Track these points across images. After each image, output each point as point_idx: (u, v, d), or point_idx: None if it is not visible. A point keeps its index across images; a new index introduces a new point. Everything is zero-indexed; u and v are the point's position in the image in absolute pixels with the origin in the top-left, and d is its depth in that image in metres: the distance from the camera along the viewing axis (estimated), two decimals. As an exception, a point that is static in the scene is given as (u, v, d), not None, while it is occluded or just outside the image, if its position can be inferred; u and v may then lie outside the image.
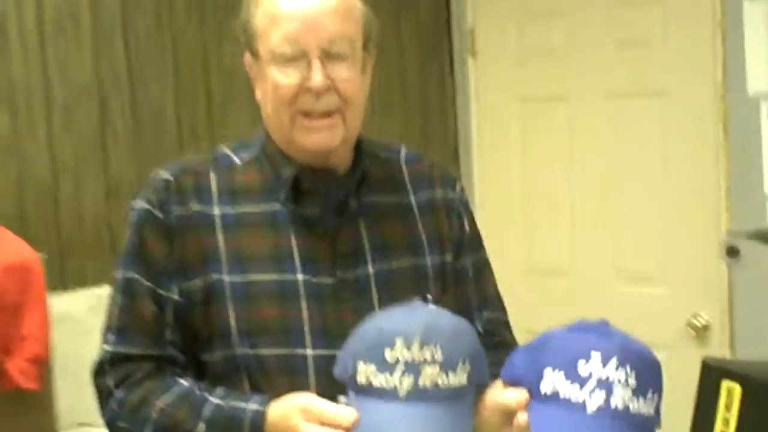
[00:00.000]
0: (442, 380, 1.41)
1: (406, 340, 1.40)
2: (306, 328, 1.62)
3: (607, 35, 3.63)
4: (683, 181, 3.49)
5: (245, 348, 1.61)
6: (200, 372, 1.67)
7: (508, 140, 3.96)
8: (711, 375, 1.22)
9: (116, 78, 2.95)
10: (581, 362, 1.37)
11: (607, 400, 1.35)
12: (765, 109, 3.22)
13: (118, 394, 1.63)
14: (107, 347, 1.66)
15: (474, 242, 1.85)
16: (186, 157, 1.78)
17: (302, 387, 1.58)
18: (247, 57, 1.69)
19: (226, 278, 1.62)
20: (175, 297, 1.64)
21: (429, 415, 1.39)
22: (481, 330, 1.77)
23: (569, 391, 1.37)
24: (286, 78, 1.60)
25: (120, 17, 2.94)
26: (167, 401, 1.60)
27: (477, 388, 1.49)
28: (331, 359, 1.55)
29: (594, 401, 1.35)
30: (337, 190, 1.68)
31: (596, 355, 1.36)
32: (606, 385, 1.35)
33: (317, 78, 1.58)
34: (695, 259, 3.45)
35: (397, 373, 1.40)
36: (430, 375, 1.40)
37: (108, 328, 1.67)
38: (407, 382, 1.40)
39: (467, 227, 1.84)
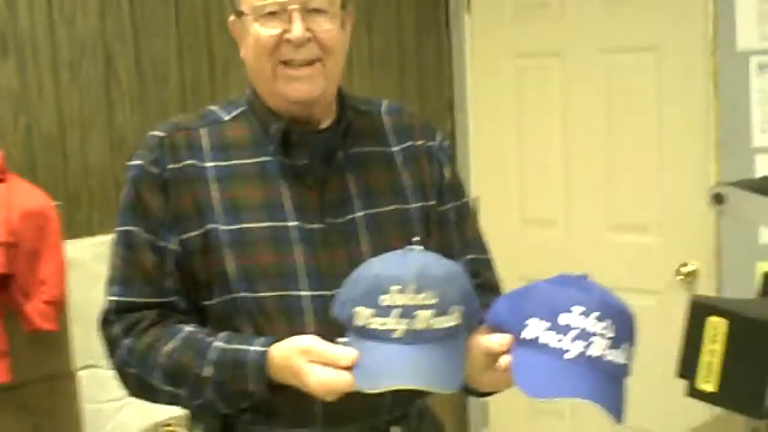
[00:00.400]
0: (435, 322, 1.48)
1: (401, 286, 1.48)
2: (300, 271, 1.69)
3: (600, -9, 3.68)
4: (674, 135, 3.55)
5: (244, 291, 1.68)
6: (202, 317, 1.74)
7: (503, 95, 4.01)
8: (698, 311, 1.30)
9: (121, 34, 2.99)
10: (563, 314, 1.45)
11: (586, 348, 1.43)
12: (754, 64, 3.28)
13: (126, 341, 1.70)
14: (112, 297, 1.73)
15: (455, 189, 1.93)
16: (176, 116, 1.86)
17: (300, 326, 1.66)
18: (232, 18, 1.77)
19: (222, 227, 1.69)
20: (174, 247, 1.70)
21: (423, 354, 1.47)
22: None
23: (550, 339, 1.45)
24: (267, 30, 1.67)
25: (125, -27, 2.99)
26: (173, 346, 1.66)
27: (469, 326, 1.56)
28: (325, 299, 1.64)
29: (573, 349, 1.43)
30: (324, 142, 1.75)
31: (577, 309, 1.44)
32: (585, 336, 1.43)
33: (297, 29, 1.66)
34: (685, 209, 3.53)
35: (393, 317, 1.47)
36: (424, 318, 1.47)
37: (111, 280, 1.75)
38: (402, 325, 1.47)
39: (447, 174, 1.91)
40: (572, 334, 1.44)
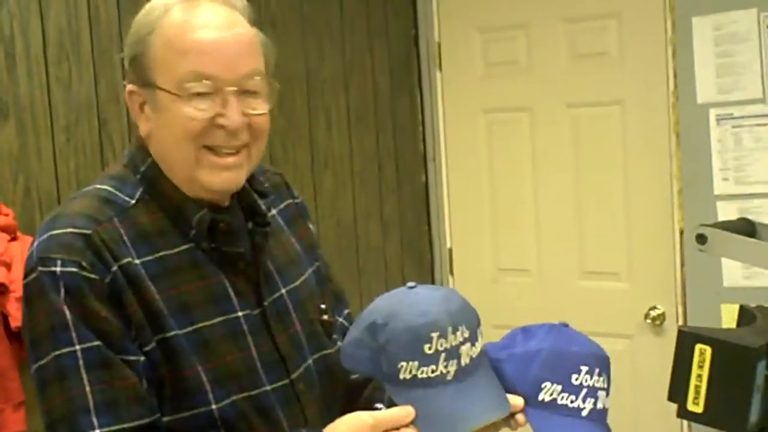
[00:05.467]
0: (473, 352, 1.51)
1: (440, 331, 1.46)
2: (258, 365, 1.56)
3: (566, 48, 3.83)
4: (640, 184, 3.69)
5: (221, 400, 1.50)
6: None
7: (475, 149, 4.13)
8: (686, 340, 1.42)
9: (114, 97, 3.10)
10: (574, 376, 1.57)
11: (595, 404, 1.56)
12: (713, 116, 3.45)
13: None
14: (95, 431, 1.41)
15: (317, 242, 1.84)
16: (69, 207, 1.54)
17: (275, 421, 1.56)
18: (132, 88, 1.54)
19: (179, 332, 1.48)
20: (141, 358, 1.46)
21: (475, 384, 1.50)
22: (347, 324, 1.80)
23: (566, 399, 1.56)
24: (197, 113, 1.47)
25: (118, 40, 3.10)
26: None
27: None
28: (285, 388, 1.58)
29: (587, 407, 1.56)
30: (244, 224, 1.63)
31: (584, 368, 1.57)
32: (593, 392, 1.56)
33: (236, 117, 1.49)
34: (652, 255, 3.67)
35: (441, 363, 1.46)
36: (466, 353, 1.49)
37: (87, 410, 1.41)
38: (452, 366, 1.47)
39: (313, 229, 1.83)
40: (583, 392, 1.56)
